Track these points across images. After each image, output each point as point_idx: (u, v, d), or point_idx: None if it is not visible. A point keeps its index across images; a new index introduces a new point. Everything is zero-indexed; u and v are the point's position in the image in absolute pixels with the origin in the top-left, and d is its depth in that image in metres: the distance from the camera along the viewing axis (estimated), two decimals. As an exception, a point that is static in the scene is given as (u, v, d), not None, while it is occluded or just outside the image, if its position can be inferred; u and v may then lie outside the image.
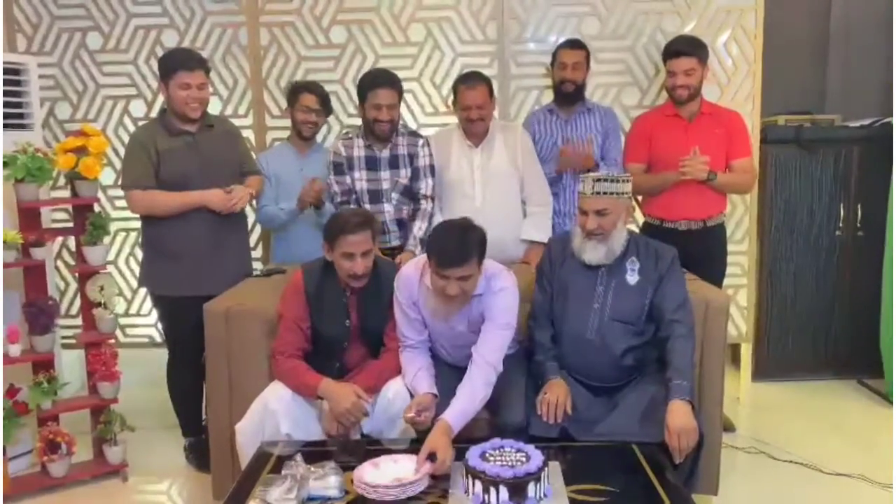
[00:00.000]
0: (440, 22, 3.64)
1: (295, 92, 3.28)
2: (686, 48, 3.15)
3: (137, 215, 3.06)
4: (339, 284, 2.50)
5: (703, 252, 3.16)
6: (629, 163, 3.32)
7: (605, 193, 2.41)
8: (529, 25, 3.64)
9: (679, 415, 2.19)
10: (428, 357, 2.46)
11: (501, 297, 2.35)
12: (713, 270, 3.15)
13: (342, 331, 2.52)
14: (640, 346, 2.47)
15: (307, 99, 3.24)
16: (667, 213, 3.27)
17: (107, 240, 3.12)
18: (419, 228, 3.14)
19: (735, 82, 3.62)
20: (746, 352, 3.84)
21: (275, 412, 2.32)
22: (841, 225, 4.01)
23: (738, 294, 3.71)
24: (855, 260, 4.02)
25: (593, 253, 2.46)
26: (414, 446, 2.23)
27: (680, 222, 3.24)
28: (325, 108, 3.32)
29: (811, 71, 4.59)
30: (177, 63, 2.88)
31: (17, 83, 3.17)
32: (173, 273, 2.97)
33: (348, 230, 2.36)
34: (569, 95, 3.33)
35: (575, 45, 3.36)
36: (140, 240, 3.19)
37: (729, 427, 3.35)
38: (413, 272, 2.43)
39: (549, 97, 3.61)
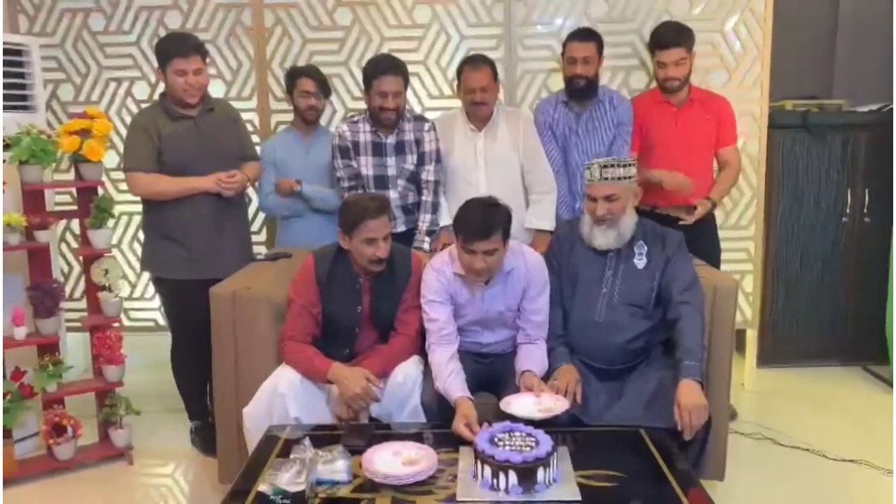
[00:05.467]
0: (446, 4, 3.59)
1: (292, 77, 3.27)
2: (675, 38, 3.13)
3: (139, 198, 3.06)
4: (353, 270, 2.49)
5: (694, 242, 3.05)
6: None
7: (613, 179, 2.42)
8: (536, 8, 3.60)
9: (690, 393, 2.20)
10: (457, 355, 2.43)
11: (537, 258, 2.51)
12: (707, 260, 3.11)
13: (354, 317, 2.51)
14: (648, 330, 2.47)
15: (305, 83, 3.22)
16: (656, 201, 3.23)
17: (111, 223, 3.12)
18: (423, 221, 3.14)
19: (743, 67, 3.58)
20: (752, 338, 3.83)
21: (283, 396, 2.31)
22: (848, 211, 4.00)
23: (743, 280, 3.69)
24: (862, 246, 4.01)
25: (603, 238, 2.47)
26: (422, 431, 2.25)
27: (669, 209, 3.21)
28: (324, 90, 3.30)
29: (819, 55, 4.55)
30: (171, 50, 2.86)
31: (20, 64, 3.14)
32: (174, 256, 2.97)
33: (370, 216, 2.36)
34: (581, 91, 3.21)
35: (584, 36, 3.20)
36: (142, 223, 3.17)
37: (731, 414, 3.33)
38: (441, 265, 2.47)
39: (556, 81, 3.57)
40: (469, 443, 2.03)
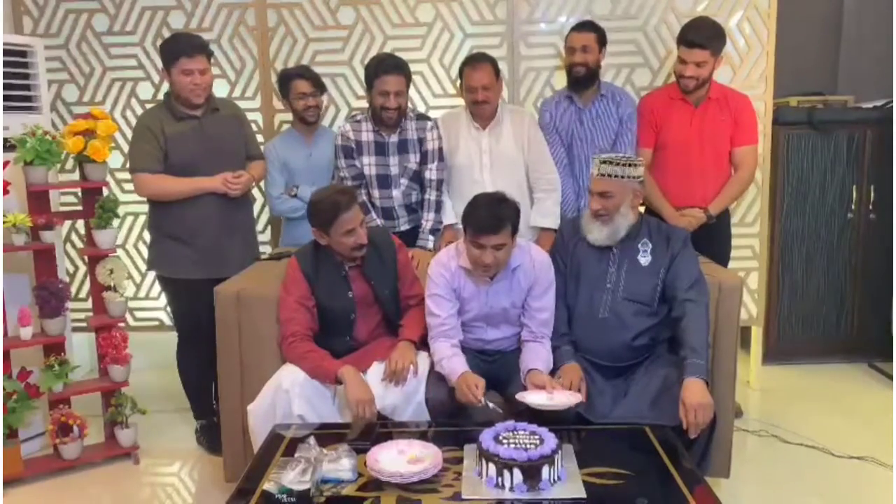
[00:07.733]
0: (449, 2, 3.59)
1: (286, 81, 3.24)
2: (702, 40, 3.03)
3: (145, 198, 3.06)
4: (335, 260, 2.54)
5: (706, 238, 3.10)
6: (638, 147, 3.26)
7: (609, 176, 2.41)
8: (539, 6, 3.59)
9: (695, 391, 2.19)
10: (459, 346, 2.47)
11: (544, 256, 2.52)
12: (716, 256, 3.11)
13: (347, 303, 2.55)
14: (652, 327, 2.47)
15: (300, 85, 3.20)
16: (670, 200, 3.22)
17: (116, 223, 3.12)
18: (427, 220, 3.14)
19: (748, 63, 3.57)
20: (757, 335, 3.82)
21: (288, 393, 2.32)
22: (853, 207, 3.98)
23: (748, 277, 3.68)
24: (867, 242, 4.00)
25: (597, 233, 2.48)
26: (427, 430, 2.25)
27: (683, 209, 3.19)
28: (320, 88, 3.28)
29: (824, 51, 4.54)
30: (178, 50, 2.87)
31: (25, 65, 3.15)
32: (181, 256, 2.98)
33: (343, 209, 2.41)
34: (581, 80, 3.20)
35: (583, 27, 3.22)
36: (148, 223, 3.19)
37: (737, 412, 3.33)
38: (447, 259, 2.48)
39: (559, 78, 3.57)
40: (474, 441, 2.02)
